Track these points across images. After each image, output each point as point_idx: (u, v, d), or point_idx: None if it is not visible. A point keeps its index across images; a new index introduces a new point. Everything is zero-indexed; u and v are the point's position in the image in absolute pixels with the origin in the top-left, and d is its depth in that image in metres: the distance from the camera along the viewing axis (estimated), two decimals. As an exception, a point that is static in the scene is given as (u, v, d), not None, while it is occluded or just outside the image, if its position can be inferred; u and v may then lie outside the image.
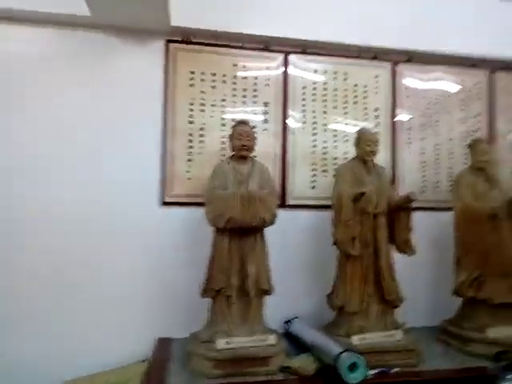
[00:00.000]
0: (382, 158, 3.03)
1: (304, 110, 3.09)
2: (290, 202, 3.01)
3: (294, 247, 3.00)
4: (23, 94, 2.72)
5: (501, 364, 2.23)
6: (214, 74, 2.98)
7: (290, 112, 3.06)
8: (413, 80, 3.27)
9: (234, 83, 3.00)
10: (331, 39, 3.05)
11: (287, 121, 3.05)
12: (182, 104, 2.92)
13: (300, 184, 3.03)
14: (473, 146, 2.89)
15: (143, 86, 2.87)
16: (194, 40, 2.95)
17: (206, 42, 2.97)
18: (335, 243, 2.52)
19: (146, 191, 2.83)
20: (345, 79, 3.17)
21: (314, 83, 3.12)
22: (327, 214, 2.98)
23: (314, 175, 3.08)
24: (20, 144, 2.69)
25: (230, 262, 2.37)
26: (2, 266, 2.62)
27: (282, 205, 2.92)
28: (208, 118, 2.95)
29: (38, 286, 2.65)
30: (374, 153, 2.62)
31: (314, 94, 3.12)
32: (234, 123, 2.64)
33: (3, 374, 2.54)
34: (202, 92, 2.96)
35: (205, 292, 2.42)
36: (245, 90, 3.02)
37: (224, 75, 2.99)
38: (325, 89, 3.14)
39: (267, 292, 2.42)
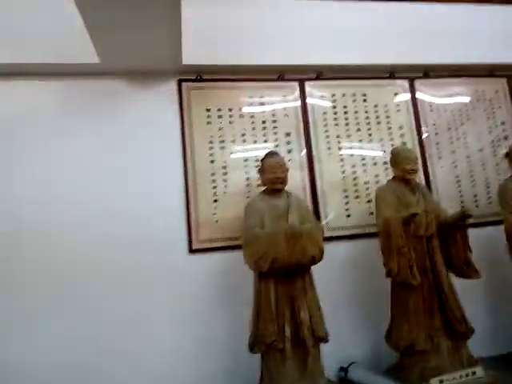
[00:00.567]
0: (413, 176, 2.85)
1: (327, 136, 2.94)
2: (327, 234, 2.76)
3: (336, 283, 2.73)
4: (36, 146, 2.56)
5: None
6: (231, 109, 2.85)
7: (313, 139, 2.91)
8: (433, 94, 3.16)
9: (252, 116, 2.87)
10: (346, 61, 2.96)
11: (311, 149, 2.89)
12: (201, 143, 2.76)
13: (334, 214, 2.83)
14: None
15: (158, 130, 2.72)
16: (206, 77, 2.84)
17: (219, 77, 2.85)
18: (389, 274, 2.28)
19: (171, 240, 2.59)
20: (364, 100, 3.06)
21: (334, 107, 3.00)
22: (368, 243, 2.80)
23: (347, 203, 2.88)
24: (31, 203, 2.48)
25: (278, 310, 2.11)
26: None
27: (319, 238, 2.69)
28: (229, 156, 2.79)
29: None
30: (415, 171, 2.44)
31: (335, 119, 2.98)
32: (262, 156, 2.48)
33: None
34: (221, 129, 2.81)
35: (253, 347, 2.14)
36: (264, 122, 2.88)
37: (241, 109, 2.86)
38: (345, 112, 3.01)
39: (324, 339, 2.14)
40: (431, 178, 3.03)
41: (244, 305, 2.40)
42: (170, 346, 2.47)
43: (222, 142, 2.79)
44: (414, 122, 3.09)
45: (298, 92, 2.96)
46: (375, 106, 3.07)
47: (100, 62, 2.54)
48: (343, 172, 2.92)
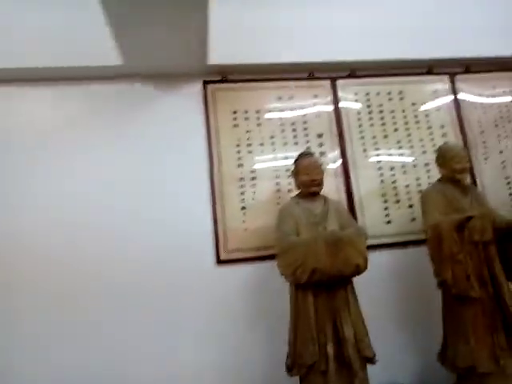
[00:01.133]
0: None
1: (362, 137, 2.73)
2: (365, 242, 2.55)
3: (377, 297, 2.48)
4: (58, 155, 2.44)
5: None
6: (258, 111, 2.68)
7: (347, 141, 2.71)
8: (476, 90, 2.93)
9: (281, 118, 2.69)
10: (380, 57, 2.76)
11: (346, 151, 2.69)
12: (228, 147, 2.59)
13: (372, 221, 2.59)
14: None
15: (183, 134, 2.57)
16: (232, 78, 2.69)
17: (246, 78, 2.70)
18: (442, 285, 2.02)
19: (197, 250, 2.41)
20: (401, 99, 2.84)
21: (369, 107, 2.80)
22: (411, 252, 2.56)
23: (386, 208, 2.65)
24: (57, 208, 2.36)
25: (318, 326, 1.89)
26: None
27: (358, 247, 2.46)
28: (258, 159, 2.61)
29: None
30: (465, 170, 2.21)
31: (370, 119, 2.78)
32: (292, 160, 2.29)
33: None
34: (248, 132, 2.64)
35: (292, 369, 1.92)
36: (293, 123, 2.70)
37: (269, 111, 2.70)
38: (381, 111, 2.80)
39: (371, 360, 1.90)
40: (478, 180, 2.76)
41: (279, 321, 2.21)
42: (194, 370, 2.25)
43: (250, 145, 2.62)
44: (456, 120, 2.85)
45: (329, 91, 2.78)
46: (413, 104, 2.85)
47: (123, 64, 2.44)
48: (381, 175, 2.69)
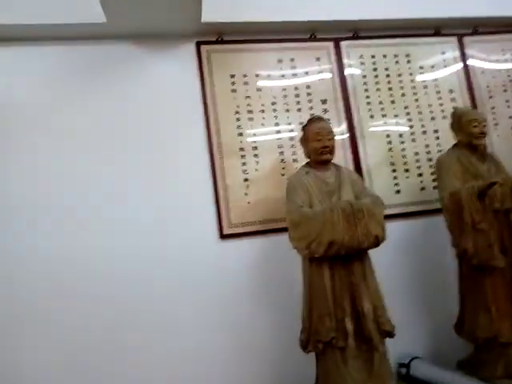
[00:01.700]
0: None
1: (369, 103, 2.57)
2: (374, 213, 2.43)
3: (390, 268, 2.35)
4: (35, 120, 2.19)
5: None
6: (258, 75, 2.48)
7: (353, 107, 2.54)
8: (484, 53, 2.79)
9: (283, 82, 2.50)
10: (386, 16, 2.57)
11: (352, 117, 2.53)
12: (226, 114, 2.39)
13: (381, 190, 2.42)
14: None
15: (176, 101, 2.35)
16: (228, 38, 2.46)
17: (243, 38, 2.48)
18: (464, 255, 1.93)
19: (200, 225, 2.24)
20: (408, 61, 2.68)
21: (375, 70, 2.63)
22: (420, 222, 2.47)
23: (395, 177, 2.52)
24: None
25: (336, 301, 1.77)
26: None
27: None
28: (259, 127, 2.42)
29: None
30: (484, 134, 2.08)
31: (377, 83, 2.61)
32: (295, 127, 2.12)
33: None
34: (248, 97, 2.44)
35: (307, 345, 1.81)
36: (296, 88, 2.51)
37: (269, 75, 2.49)
38: (387, 75, 2.64)
39: (391, 334, 1.80)
40: (487, 147, 2.66)
41: (285, 296, 2.12)
42: (195, 346, 2.12)
43: (250, 112, 2.43)
44: (465, 85, 2.71)
45: (333, 53, 2.58)
46: (421, 67, 2.69)
47: (106, 22, 2.17)
48: (389, 142, 2.55)
